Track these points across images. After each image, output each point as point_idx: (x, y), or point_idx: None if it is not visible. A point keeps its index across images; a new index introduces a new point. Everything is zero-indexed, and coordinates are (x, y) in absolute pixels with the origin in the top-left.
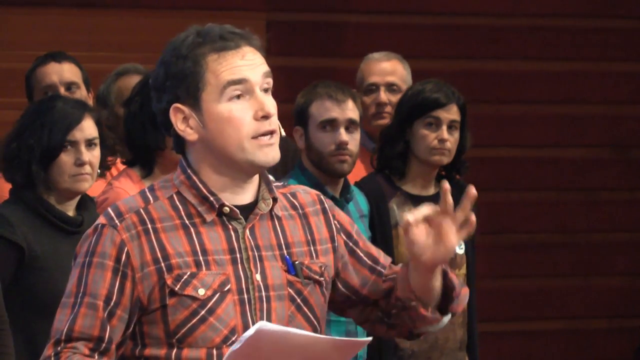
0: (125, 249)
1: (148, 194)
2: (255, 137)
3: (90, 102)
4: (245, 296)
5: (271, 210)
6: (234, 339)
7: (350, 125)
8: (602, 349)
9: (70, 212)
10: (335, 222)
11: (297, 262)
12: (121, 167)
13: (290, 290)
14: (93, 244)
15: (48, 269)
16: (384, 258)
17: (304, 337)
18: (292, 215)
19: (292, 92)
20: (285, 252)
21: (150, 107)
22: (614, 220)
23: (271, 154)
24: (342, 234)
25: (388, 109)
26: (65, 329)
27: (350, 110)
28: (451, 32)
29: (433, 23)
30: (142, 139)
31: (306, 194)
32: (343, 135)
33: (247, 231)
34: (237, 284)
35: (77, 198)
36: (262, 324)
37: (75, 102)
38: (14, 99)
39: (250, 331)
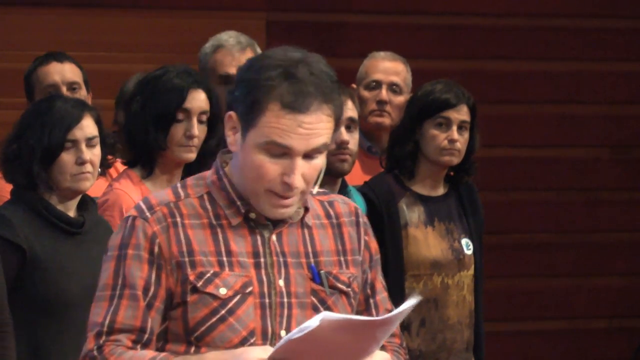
0: (157, 241)
1: (180, 190)
2: (271, 192)
3: (90, 102)
4: (267, 300)
5: (302, 219)
6: (252, 341)
7: (350, 124)
8: (602, 349)
9: (71, 213)
10: (365, 238)
11: (322, 272)
12: (121, 168)
13: (313, 298)
14: (126, 236)
15: (49, 270)
16: (382, 298)
17: (362, 322)
18: (324, 224)
19: None
20: (312, 260)
21: (151, 107)
22: (614, 220)
23: (280, 212)
24: (367, 252)
25: (388, 107)
26: (107, 321)
27: (350, 109)
28: (451, 32)
29: (433, 23)
30: (143, 139)
31: (344, 204)
32: (344, 134)
33: (274, 237)
34: (259, 287)
35: (78, 198)
36: (326, 314)
37: (75, 102)
38: (14, 99)
39: (315, 321)
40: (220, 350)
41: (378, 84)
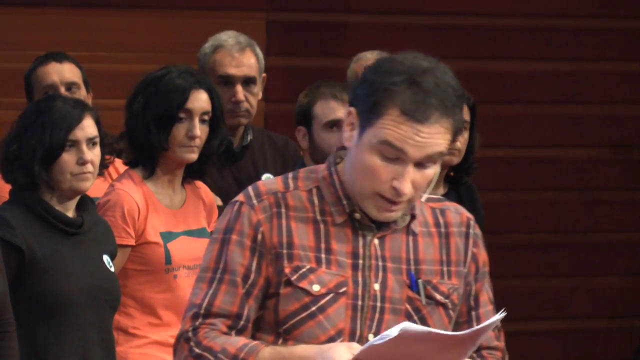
0: (261, 229)
1: (290, 180)
2: (380, 195)
3: (90, 102)
4: (360, 302)
5: (408, 225)
6: (339, 341)
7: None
8: (602, 349)
9: (70, 213)
10: (474, 249)
11: (420, 280)
12: (122, 168)
13: (408, 306)
14: (232, 221)
15: (48, 271)
16: (485, 311)
17: (443, 335)
18: (431, 232)
19: (292, 92)
20: (412, 268)
21: (153, 107)
22: (614, 220)
23: (386, 215)
24: (473, 264)
25: None
26: (205, 304)
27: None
28: (451, 32)
29: (433, 23)
30: (145, 139)
31: (457, 214)
32: None
33: (376, 240)
34: (354, 288)
35: (77, 199)
36: (406, 325)
37: (75, 102)
38: (14, 99)
39: (394, 331)
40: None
41: None
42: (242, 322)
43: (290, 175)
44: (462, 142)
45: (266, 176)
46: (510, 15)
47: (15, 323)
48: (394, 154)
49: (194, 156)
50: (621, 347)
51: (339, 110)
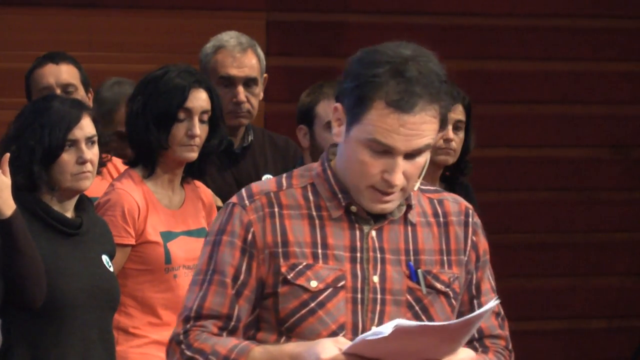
0: (252, 230)
1: (284, 180)
2: (373, 187)
3: (90, 102)
4: (359, 295)
5: (405, 215)
6: (341, 335)
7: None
8: (602, 349)
9: (69, 214)
10: (473, 238)
11: (420, 270)
12: (122, 167)
13: (409, 296)
14: (224, 222)
15: (48, 272)
16: (487, 299)
17: (437, 327)
18: (429, 222)
19: (291, 92)
20: (412, 258)
21: (152, 107)
22: (614, 220)
23: (381, 207)
24: (473, 252)
25: None
26: (195, 306)
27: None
28: (451, 32)
29: (433, 23)
30: (144, 139)
31: (455, 203)
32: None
33: (374, 232)
34: (352, 282)
35: (76, 199)
36: (399, 322)
37: (72, 102)
38: (14, 99)
39: (388, 328)
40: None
41: None
42: (232, 323)
43: (284, 175)
44: (457, 141)
45: (266, 177)
46: (510, 15)
47: (12, 324)
48: (382, 149)
49: (193, 155)
50: (621, 347)
51: None
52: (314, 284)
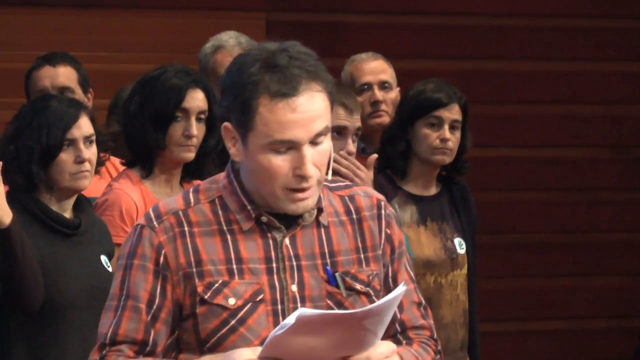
0: (163, 252)
1: (191, 195)
2: (288, 188)
3: (90, 103)
4: (279, 307)
5: (317, 219)
6: None
7: (357, 133)
8: (602, 349)
9: (68, 214)
10: (387, 230)
11: (337, 273)
12: (120, 168)
13: (329, 301)
14: (134, 245)
15: (46, 272)
16: (405, 290)
17: (341, 315)
18: (342, 221)
19: None
20: (328, 261)
21: (149, 107)
22: (614, 220)
23: (302, 205)
24: (388, 245)
25: (383, 106)
26: (110, 333)
27: (358, 119)
28: (451, 32)
29: (433, 23)
30: (142, 139)
31: (366, 197)
32: (351, 145)
33: (287, 240)
34: (271, 294)
35: (74, 199)
36: (302, 311)
37: (70, 101)
38: (14, 99)
39: (292, 319)
40: None
41: (369, 86)
42: (148, 348)
43: (191, 190)
44: (454, 141)
45: None
46: (510, 15)
47: (11, 324)
48: (285, 146)
49: (191, 155)
50: (621, 347)
51: (346, 118)
52: (232, 301)
